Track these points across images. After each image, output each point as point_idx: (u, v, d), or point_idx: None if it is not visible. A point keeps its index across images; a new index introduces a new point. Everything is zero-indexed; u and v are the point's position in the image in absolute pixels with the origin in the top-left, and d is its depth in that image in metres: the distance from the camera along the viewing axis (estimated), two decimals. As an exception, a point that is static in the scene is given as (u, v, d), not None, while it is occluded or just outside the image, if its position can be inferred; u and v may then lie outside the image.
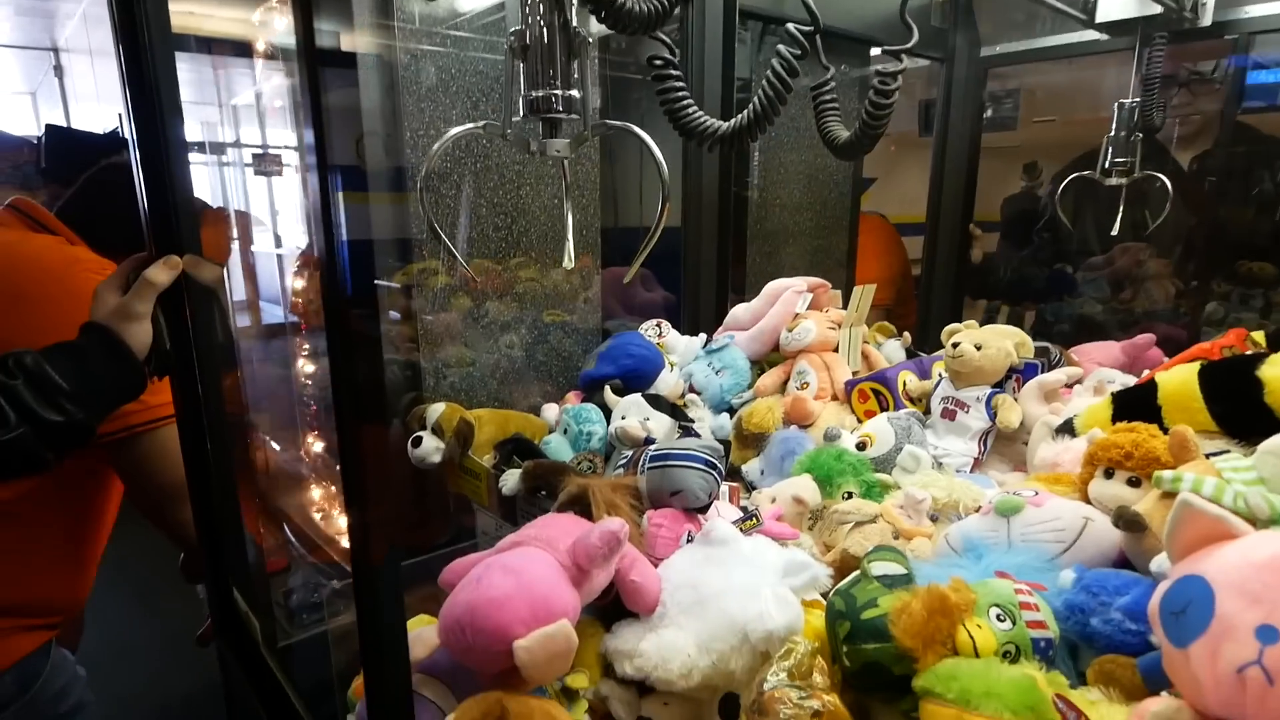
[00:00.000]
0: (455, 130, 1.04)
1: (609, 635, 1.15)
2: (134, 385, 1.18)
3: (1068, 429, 1.45)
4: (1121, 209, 2.28)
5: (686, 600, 1.12)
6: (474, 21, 1.91)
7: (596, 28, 1.05)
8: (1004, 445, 1.71)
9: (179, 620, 1.75)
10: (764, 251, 2.61)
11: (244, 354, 1.97)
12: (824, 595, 1.18)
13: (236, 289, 2.21)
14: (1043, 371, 1.66)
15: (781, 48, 1.13)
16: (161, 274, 1.18)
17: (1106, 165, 2.17)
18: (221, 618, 1.50)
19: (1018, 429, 1.61)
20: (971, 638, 0.89)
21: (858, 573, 1.04)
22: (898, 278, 3.56)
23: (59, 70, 5.26)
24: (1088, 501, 1.19)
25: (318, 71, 0.69)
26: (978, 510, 1.31)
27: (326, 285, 0.74)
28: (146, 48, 1.20)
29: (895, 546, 1.13)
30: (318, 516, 2.15)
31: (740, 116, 1.16)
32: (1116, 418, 1.32)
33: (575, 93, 0.99)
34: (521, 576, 1.03)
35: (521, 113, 1.01)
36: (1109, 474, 1.17)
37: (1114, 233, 2.33)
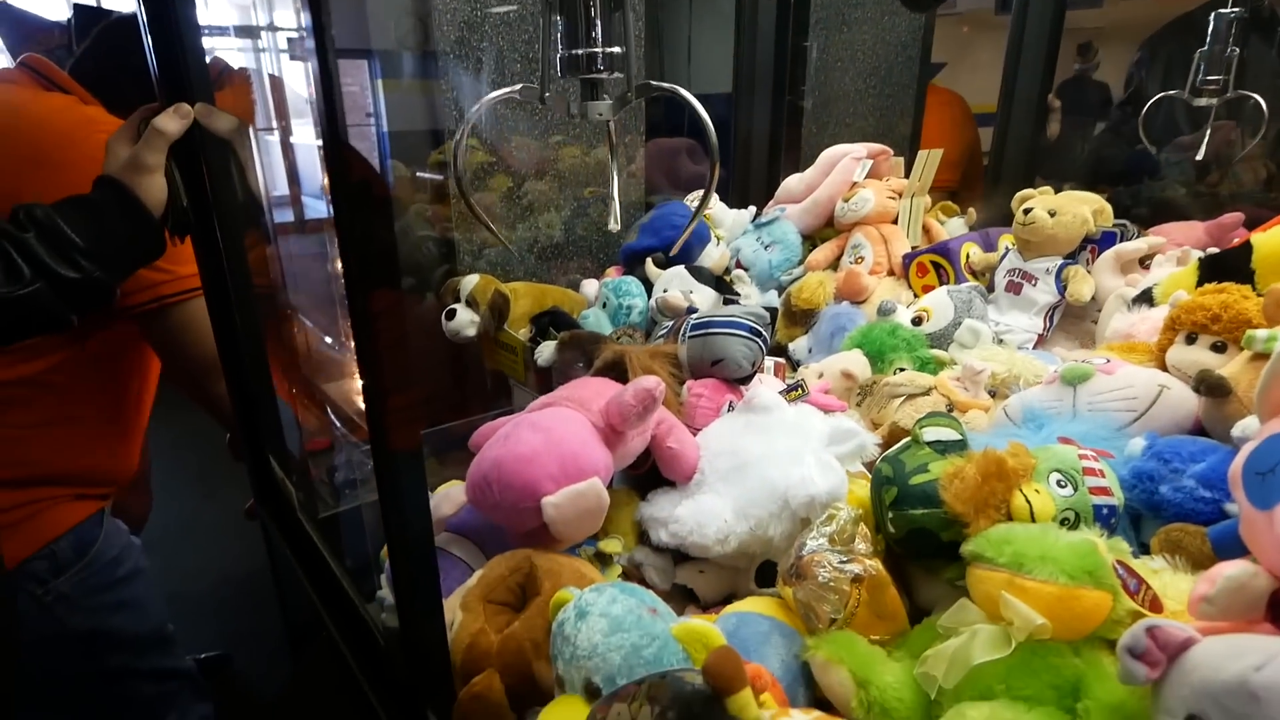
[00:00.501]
0: (490, 96, 0.94)
1: (644, 503, 1.12)
2: (152, 243, 1.14)
3: (1145, 299, 1.34)
4: (1208, 133, 2.07)
5: (725, 467, 1.07)
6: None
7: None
8: (1071, 322, 1.61)
9: (237, 501, 1.77)
10: (819, 121, 2.47)
11: (286, 247, 1.93)
12: (869, 467, 1.12)
13: (279, 184, 2.15)
14: (1122, 240, 1.54)
15: None
16: (171, 122, 1.12)
17: (1196, 83, 1.95)
18: (260, 487, 1.50)
19: (1088, 304, 1.51)
20: (1028, 503, 0.82)
21: (907, 439, 0.98)
22: (964, 159, 3.36)
23: (87, -51, 5.10)
24: (1164, 370, 1.10)
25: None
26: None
27: (328, 140, 0.66)
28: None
29: (949, 414, 1.06)
30: (358, 399, 2.15)
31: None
32: (1204, 283, 1.22)
33: (618, 49, 0.90)
34: (551, 433, 0.99)
35: (560, 72, 0.92)
36: (1191, 339, 1.07)
37: (1199, 157, 2.13)
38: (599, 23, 0.88)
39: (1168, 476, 0.89)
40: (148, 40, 1.20)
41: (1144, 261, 1.57)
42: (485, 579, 0.86)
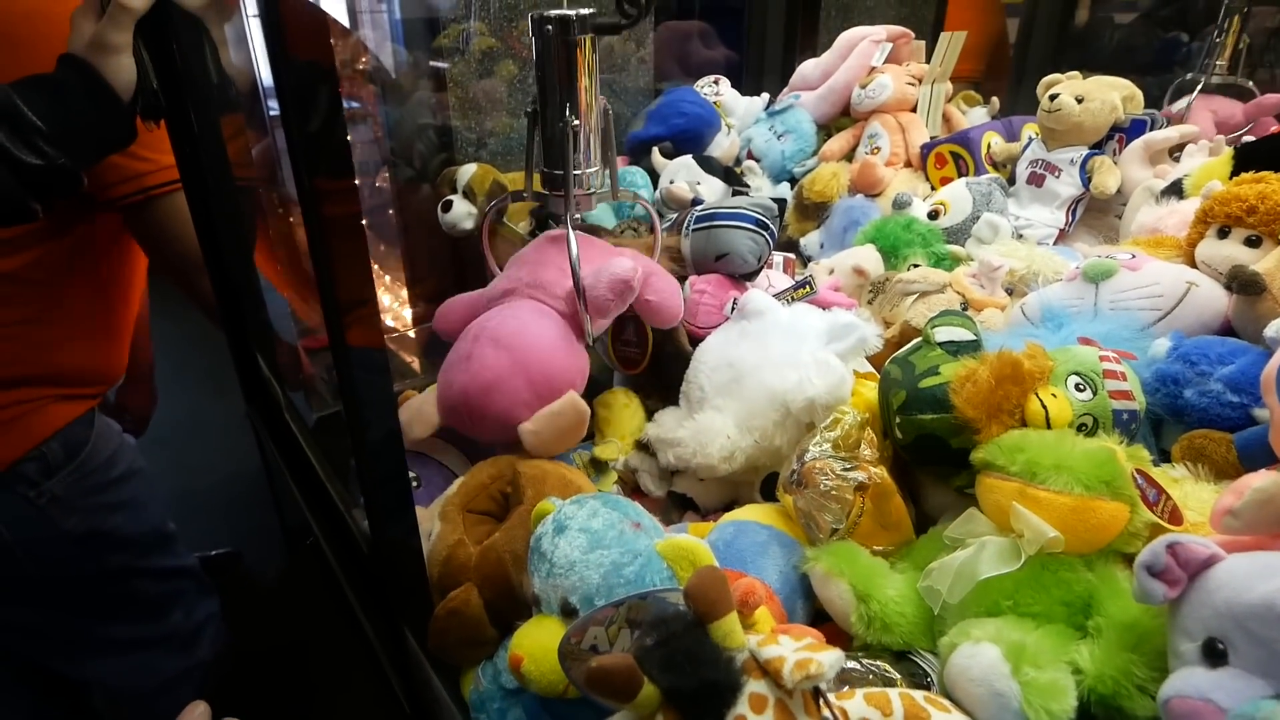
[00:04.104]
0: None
1: (651, 424, 1.07)
2: (120, 128, 1.07)
3: (1175, 190, 1.26)
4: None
5: (723, 380, 1.03)
6: None
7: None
8: (1094, 217, 1.53)
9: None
10: (839, 4, 2.33)
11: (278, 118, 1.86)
12: (878, 366, 1.07)
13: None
14: (1152, 129, 1.45)
15: None
16: None
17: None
18: (248, 387, 1.47)
19: (1113, 197, 1.43)
20: (1044, 407, 0.77)
21: (918, 339, 0.92)
22: (989, 48, 3.21)
23: None
24: (1193, 266, 1.03)
25: None
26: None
27: None
28: None
29: (963, 313, 1.00)
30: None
31: None
32: (1239, 173, 1.14)
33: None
34: (514, 351, 0.92)
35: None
36: (1224, 233, 1.00)
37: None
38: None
39: (1193, 380, 0.84)
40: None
41: (1174, 153, 1.49)
42: (465, 486, 0.82)
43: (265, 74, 1.71)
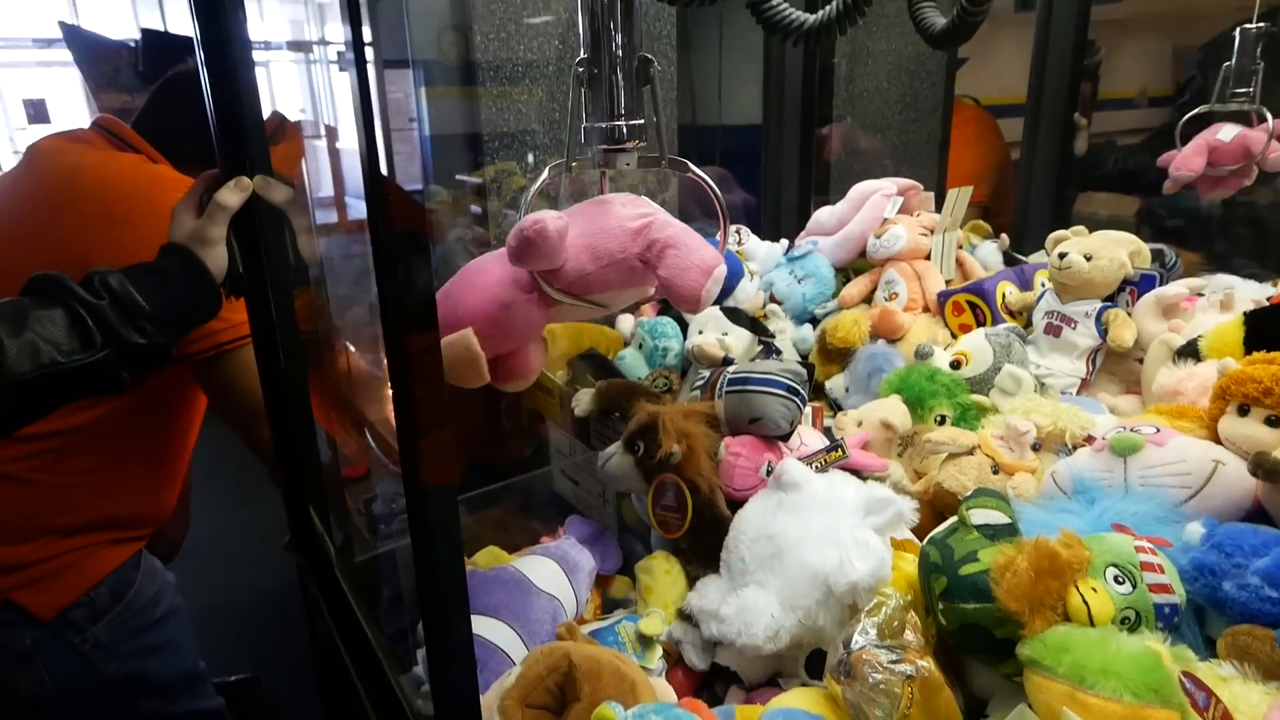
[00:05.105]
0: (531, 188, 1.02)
1: (694, 593, 1.09)
2: (211, 308, 1.18)
3: (1191, 352, 1.30)
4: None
5: (765, 553, 1.05)
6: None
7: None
8: (1115, 364, 1.57)
9: (274, 511, 1.77)
10: (850, 150, 2.44)
11: (327, 253, 1.95)
12: (914, 531, 1.09)
13: (324, 184, 2.18)
14: (1161, 283, 1.51)
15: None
16: (232, 197, 1.16)
17: (1225, 94, 1.81)
18: (298, 534, 1.51)
19: (1131, 347, 1.48)
20: (1086, 603, 0.79)
21: (954, 520, 0.95)
22: (994, 171, 3.31)
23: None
24: (1217, 440, 1.06)
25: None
26: (1086, 440, 1.20)
27: (368, 169, 0.67)
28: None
29: (996, 490, 1.03)
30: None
31: (827, 9, 1.05)
32: (1250, 341, 1.18)
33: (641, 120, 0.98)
34: (457, 280, 1.01)
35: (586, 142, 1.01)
36: (1243, 411, 1.04)
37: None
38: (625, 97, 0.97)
39: (1230, 571, 0.86)
40: (210, 104, 1.23)
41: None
42: (523, 680, 0.84)
43: (311, 190, 1.80)
